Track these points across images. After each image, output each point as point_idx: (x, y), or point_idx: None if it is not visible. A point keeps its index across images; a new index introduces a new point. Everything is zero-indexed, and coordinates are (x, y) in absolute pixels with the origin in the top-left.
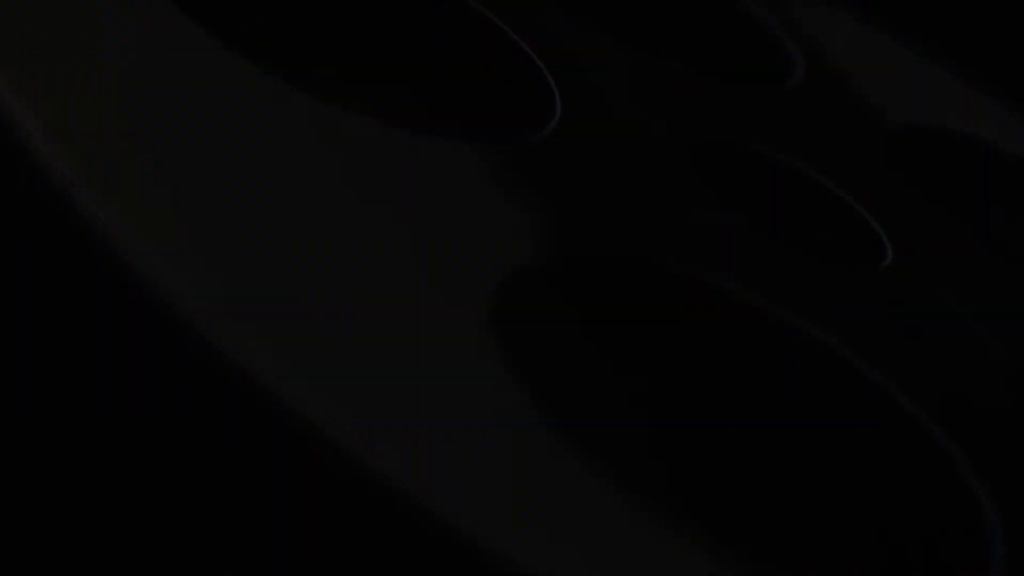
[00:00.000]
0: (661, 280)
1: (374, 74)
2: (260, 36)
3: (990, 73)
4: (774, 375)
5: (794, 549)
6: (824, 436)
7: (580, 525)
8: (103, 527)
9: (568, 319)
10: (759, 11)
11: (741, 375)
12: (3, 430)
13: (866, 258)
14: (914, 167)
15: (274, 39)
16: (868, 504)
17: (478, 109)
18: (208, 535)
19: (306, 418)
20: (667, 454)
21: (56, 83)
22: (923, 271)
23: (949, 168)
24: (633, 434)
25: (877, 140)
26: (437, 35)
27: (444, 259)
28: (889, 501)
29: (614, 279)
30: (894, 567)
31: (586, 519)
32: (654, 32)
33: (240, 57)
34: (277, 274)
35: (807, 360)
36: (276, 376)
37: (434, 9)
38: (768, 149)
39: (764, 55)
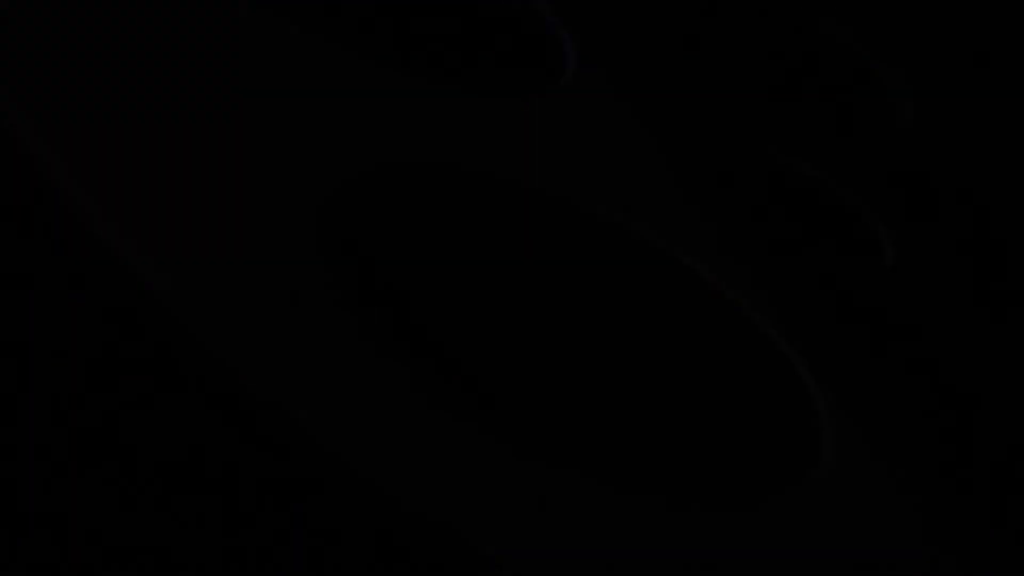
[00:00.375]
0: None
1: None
2: None
3: None
4: (609, 279)
5: (641, 458)
6: (662, 338)
7: (380, 405)
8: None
9: (396, 225)
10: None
11: (571, 278)
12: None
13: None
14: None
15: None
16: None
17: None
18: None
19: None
20: (498, 358)
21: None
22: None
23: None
24: (457, 336)
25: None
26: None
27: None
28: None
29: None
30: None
31: (393, 406)
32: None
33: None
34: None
35: (646, 267)
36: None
37: None
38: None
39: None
